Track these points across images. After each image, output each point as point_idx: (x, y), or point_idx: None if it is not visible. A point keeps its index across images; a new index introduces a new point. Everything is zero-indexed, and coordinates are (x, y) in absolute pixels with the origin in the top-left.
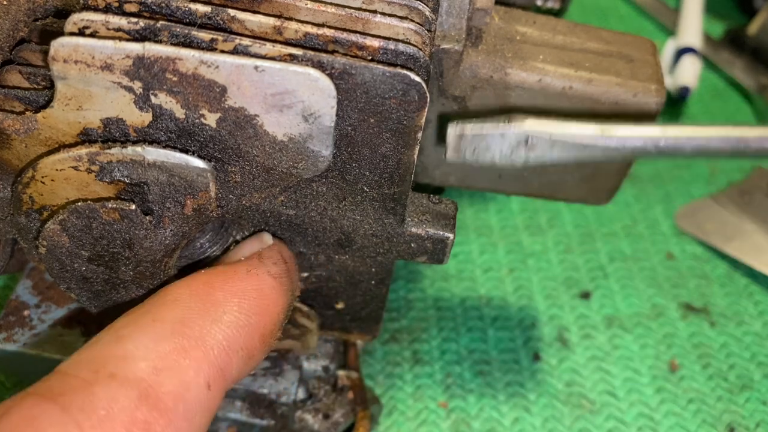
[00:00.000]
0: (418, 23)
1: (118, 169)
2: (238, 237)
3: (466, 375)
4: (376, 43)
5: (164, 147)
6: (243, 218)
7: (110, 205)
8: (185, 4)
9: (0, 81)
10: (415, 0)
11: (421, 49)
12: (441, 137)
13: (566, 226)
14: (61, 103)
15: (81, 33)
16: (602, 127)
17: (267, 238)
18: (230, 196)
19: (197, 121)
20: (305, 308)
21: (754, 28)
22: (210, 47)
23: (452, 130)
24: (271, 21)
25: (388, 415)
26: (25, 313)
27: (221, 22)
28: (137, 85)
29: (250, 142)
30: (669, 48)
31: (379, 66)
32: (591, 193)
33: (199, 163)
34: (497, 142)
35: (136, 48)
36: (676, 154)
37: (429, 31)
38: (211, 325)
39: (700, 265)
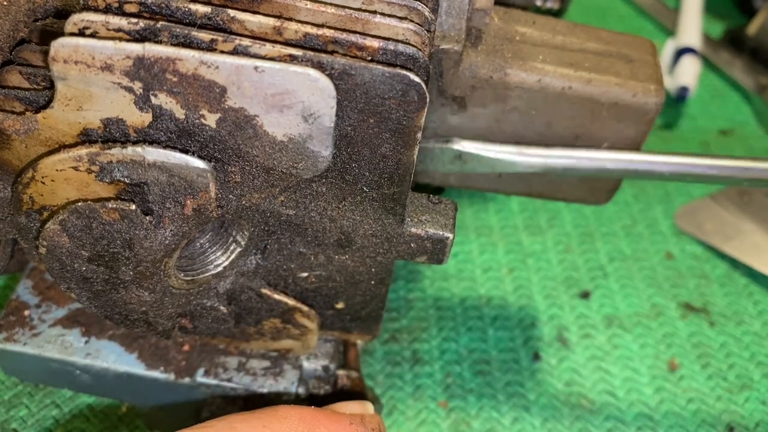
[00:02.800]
0: (417, 24)
1: (118, 170)
2: (238, 237)
3: (465, 375)
4: (375, 43)
5: (164, 147)
6: (243, 218)
7: (110, 206)
8: (185, 5)
9: (0, 81)
10: (415, 0)
11: (420, 50)
12: None
13: (566, 226)
14: (62, 104)
15: (81, 33)
16: (519, 149)
17: (369, 407)
18: (230, 196)
19: (197, 121)
20: (305, 308)
21: (753, 28)
22: (210, 48)
23: None
24: (271, 21)
25: (388, 415)
26: (26, 313)
27: (221, 23)
28: (137, 86)
29: (250, 143)
30: (668, 48)
31: (379, 66)
32: (590, 193)
33: (199, 163)
34: (438, 155)
35: (136, 48)
36: (578, 173)
37: (428, 31)
38: None
39: (700, 264)
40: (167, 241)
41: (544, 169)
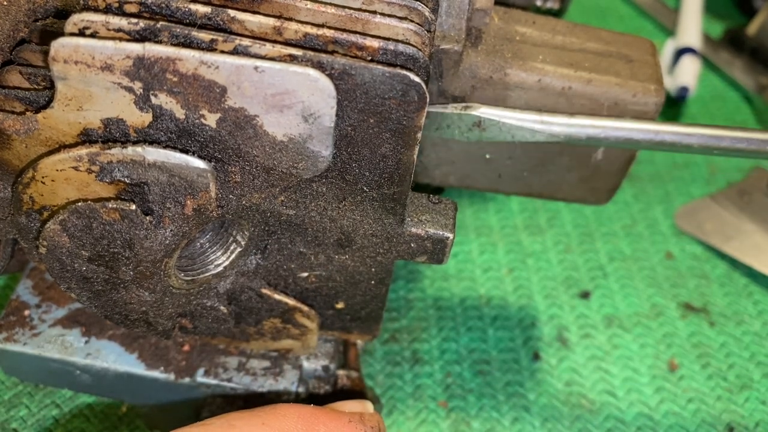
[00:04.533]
0: (417, 24)
1: (119, 170)
2: (238, 237)
3: (465, 375)
4: (375, 43)
5: (164, 147)
6: (243, 218)
7: (110, 206)
8: (185, 5)
9: (0, 81)
10: (415, 0)
11: (420, 50)
12: None
13: (566, 226)
14: (62, 104)
15: (81, 33)
16: (541, 116)
17: (369, 406)
18: (230, 196)
19: (197, 121)
20: (305, 308)
21: (753, 28)
22: (210, 48)
23: None
24: (271, 21)
25: (388, 414)
26: (26, 313)
27: (221, 23)
28: (137, 86)
29: (250, 143)
30: (668, 48)
31: (379, 66)
32: (590, 193)
33: (199, 163)
34: (455, 121)
35: (136, 48)
36: (602, 143)
37: (428, 31)
38: None
39: (700, 264)
40: (167, 241)
41: (567, 138)
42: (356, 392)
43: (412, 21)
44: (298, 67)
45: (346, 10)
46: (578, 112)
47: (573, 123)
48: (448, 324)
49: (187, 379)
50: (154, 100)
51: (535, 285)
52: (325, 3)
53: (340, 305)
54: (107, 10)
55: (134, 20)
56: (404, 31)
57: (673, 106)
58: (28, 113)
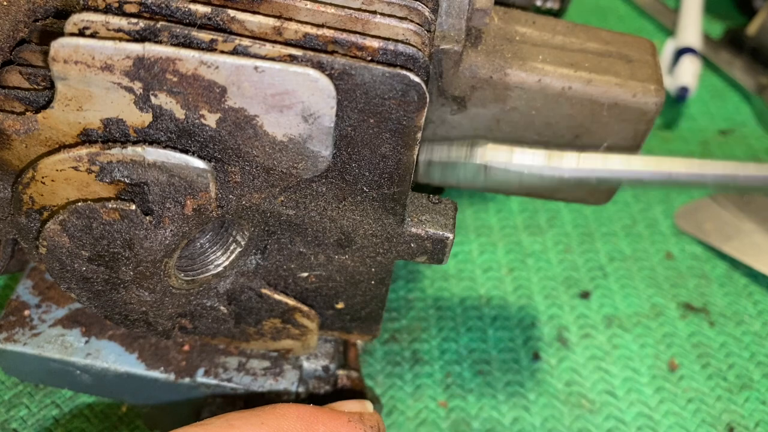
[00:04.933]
0: (417, 24)
1: (118, 170)
2: (238, 237)
3: (465, 375)
4: (375, 43)
5: (164, 147)
6: (243, 218)
7: (110, 206)
8: (185, 5)
9: (0, 81)
10: (415, 0)
11: (420, 50)
12: None
13: (566, 226)
14: (62, 104)
15: (81, 33)
16: (550, 159)
17: (369, 406)
18: (230, 196)
19: (197, 121)
20: (305, 308)
21: (753, 28)
22: (210, 48)
23: (421, 156)
24: (271, 21)
25: (388, 415)
26: (26, 313)
27: (221, 23)
28: (137, 86)
29: (250, 143)
30: (668, 48)
31: (379, 66)
32: (590, 194)
33: (199, 163)
34: (461, 168)
35: (136, 48)
36: (613, 182)
37: (428, 31)
38: None
39: (700, 264)
40: (167, 241)
41: (577, 181)
42: (356, 392)
43: (412, 21)
44: (298, 67)
45: (346, 10)
46: (578, 113)
47: (582, 168)
48: (448, 324)
49: (187, 379)
50: (154, 100)
51: (535, 285)
52: (325, 3)
53: (340, 305)
54: (107, 10)
55: (134, 20)
56: (404, 31)
57: (673, 106)
58: (28, 113)
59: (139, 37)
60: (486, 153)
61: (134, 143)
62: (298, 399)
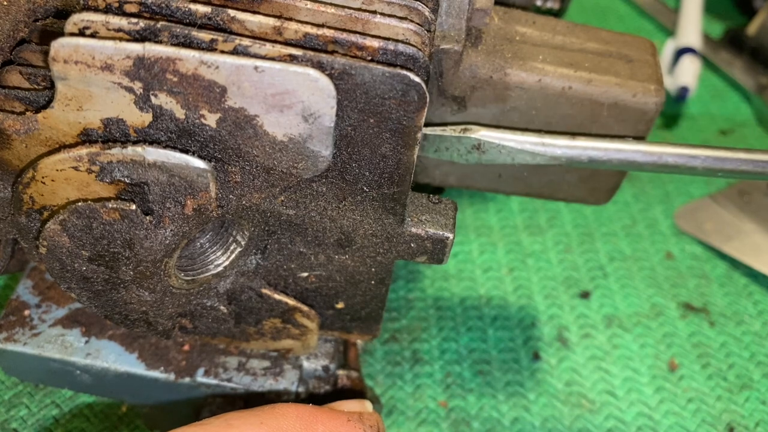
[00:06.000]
0: (417, 23)
1: (119, 170)
2: (238, 237)
3: (465, 374)
4: (375, 43)
5: (164, 147)
6: (243, 218)
7: (110, 206)
8: (185, 5)
9: (0, 81)
10: (415, 0)
11: (420, 50)
12: None
13: (566, 226)
14: (62, 104)
15: (81, 33)
16: (542, 139)
17: (368, 405)
18: (230, 196)
19: (197, 121)
20: (305, 308)
21: (753, 28)
22: (210, 48)
23: None
24: (271, 21)
25: (388, 414)
26: (26, 313)
27: (221, 23)
28: (137, 86)
29: (250, 143)
30: (668, 48)
31: (379, 66)
32: (590, 193)
33: (199, 163)
34: (454, 144)
35: (136, 48)
36: (604, 165)
37: (429, 31)
38: None
39: (700, 264)
40: (167, 241)
41: (569, 161)
42: (356, 392)
43: (412, 21)
44: (298, 67)
45: (346, 10)
46: (578, 113)
47: (574, 145)
48: (448, 324)
49: (187, 379)
50: (154, 100)
51: (535, 285)
52: (325, 3)
53: (340, 305)
54: (107, 10)
55: (134, 20)
56: (404, 31)
57: (673, 106)
58: (28, 113)
59: (139, 37)
60: (480, 130)
61: (134, 143)
62: (298, 399)
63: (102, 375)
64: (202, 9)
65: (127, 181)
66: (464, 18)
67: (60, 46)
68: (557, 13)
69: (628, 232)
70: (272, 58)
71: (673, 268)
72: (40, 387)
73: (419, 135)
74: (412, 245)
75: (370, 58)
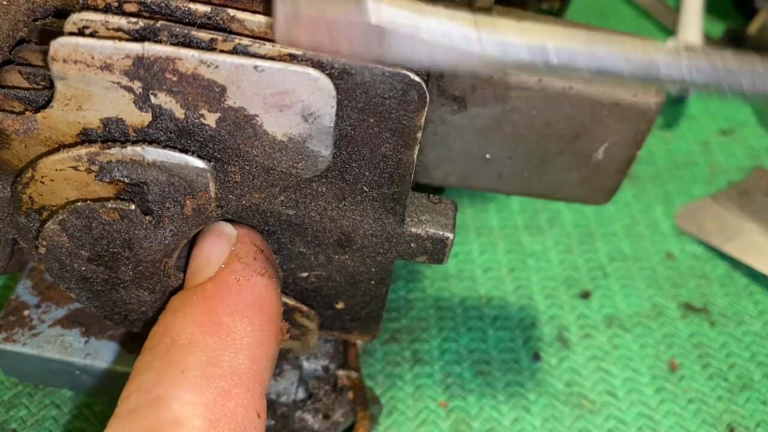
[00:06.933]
0: None
1: (118, 169)
2: None
3: (466, 375)
4: None
5: (164, 147)
6: (243, 218)
7: (110, 205)
8: (185, 4)
9: (0, 81)
10: None
11: None
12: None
13: (566, 226)
14: (61, 103)
15: (81, 33)
16: (479, 29)
17: (229, 230)
18: (230, 196)
19: (197, 121)
20: (305, 308)
21: (754, 28)
22: (209, 47)
23: (282, 9)
24: (271, 21)
25: (388, 415)
26: (25, 313)
27: (221, 22)
28: (137, 85)
29: (250, 142)
30: None
31: (379, 66)
32: (591, 193)
33: (198, 163)
34: (343, 30)
35: (135, 48)
36: (570, 73)
37: None
38: (237, 355)
39: (700, 264)
40: (167, 241)
41: (517, 63)
42: (356, 392)
43: None
44: (297, 66)
45: None
46: (579, 112)
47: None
48: (448, 324)
49: None
50: (153, 99)
51: (535, 285)
52: None
53: (340, 305)
54: (107, 10)
55: (134, 20)
56: None
57: (673, 106)
58: (27, 113)
59: (138, 37)
60: (382, 10)
61: (134, 143)
62: (297, 399)
63: (102, 375)
64: (201, 8)
65: (127, 181)
66: None
67: (59, 45)
68: (558, 13)
69: (629, 232)
70: (272, 58)
71: (674, 268)
72: (39, 387)
73: (419, 135)
74: (412, 245)
75: None
